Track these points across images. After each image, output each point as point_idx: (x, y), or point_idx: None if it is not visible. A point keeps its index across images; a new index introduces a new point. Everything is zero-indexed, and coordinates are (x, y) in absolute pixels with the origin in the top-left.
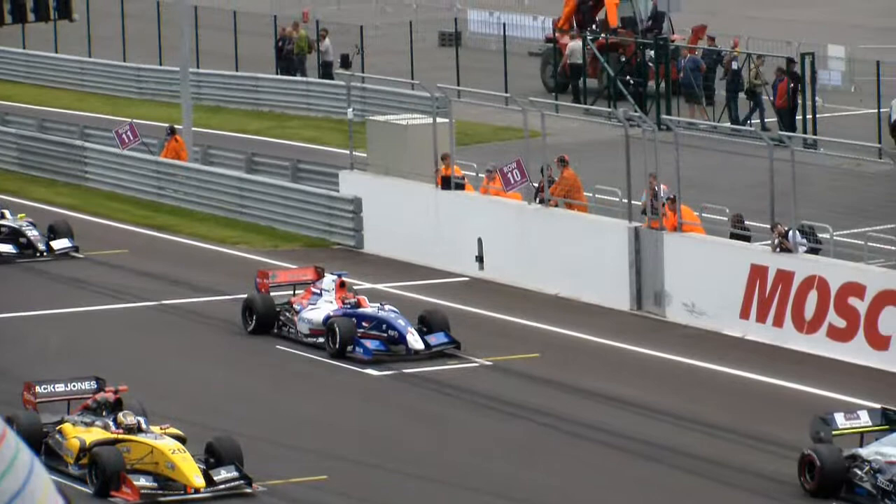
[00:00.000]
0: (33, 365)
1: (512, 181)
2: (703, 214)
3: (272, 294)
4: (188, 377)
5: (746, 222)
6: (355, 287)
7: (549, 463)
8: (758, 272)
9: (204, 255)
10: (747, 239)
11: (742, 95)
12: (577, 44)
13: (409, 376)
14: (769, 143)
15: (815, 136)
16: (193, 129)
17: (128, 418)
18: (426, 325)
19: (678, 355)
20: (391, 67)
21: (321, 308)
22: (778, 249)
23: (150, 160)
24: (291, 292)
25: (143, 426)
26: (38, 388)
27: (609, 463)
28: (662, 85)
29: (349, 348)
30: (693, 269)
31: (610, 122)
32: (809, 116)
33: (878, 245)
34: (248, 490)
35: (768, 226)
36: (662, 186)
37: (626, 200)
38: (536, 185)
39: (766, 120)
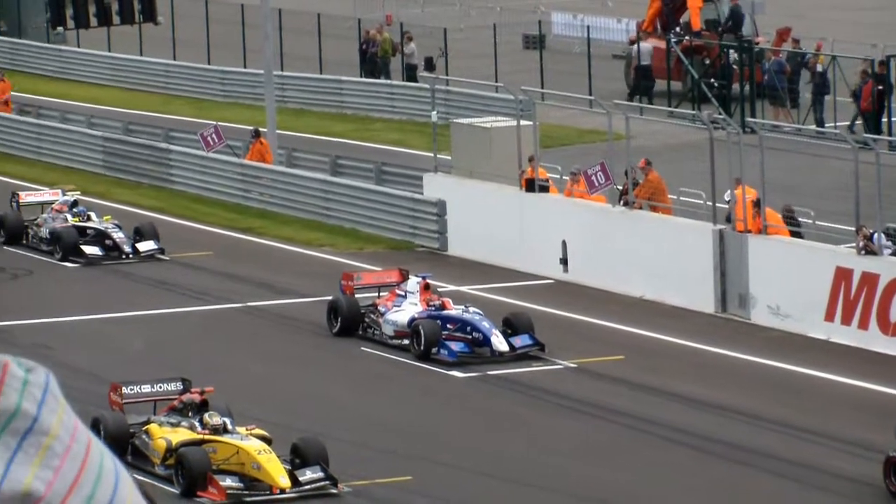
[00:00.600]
0: (120, 366)
1: (596, 184)
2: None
3: (357, 296)
4: (273, 379)
5: (827, 223)
6: (440, 289)
7: (633, 465)
8: (843, 275)
9: (289, 257)
10: (799, 235)
11: (825, 98)
12: (645, 46)
13: (494, 378)
14: (854, 145)
15: None
16: (278, 131)
17: (214, 419)
18: (511, 327)
19: (763, 357)
20: (475, 70)
21: (406, 310)
22: (863, 252)
23: (234, 163)
24: (376, 294)
25: (229, 427)
26: (124, 390)
27: (693, 465)
28: (746, 87)
29: (434, 350)
30: (778, 271)
31: (694, 125)
32: (895, 119)
33: None
34: (334, 490)
35: (853, 228)
36: (737, 191)
37: (710, 203)
38: (620, 187)
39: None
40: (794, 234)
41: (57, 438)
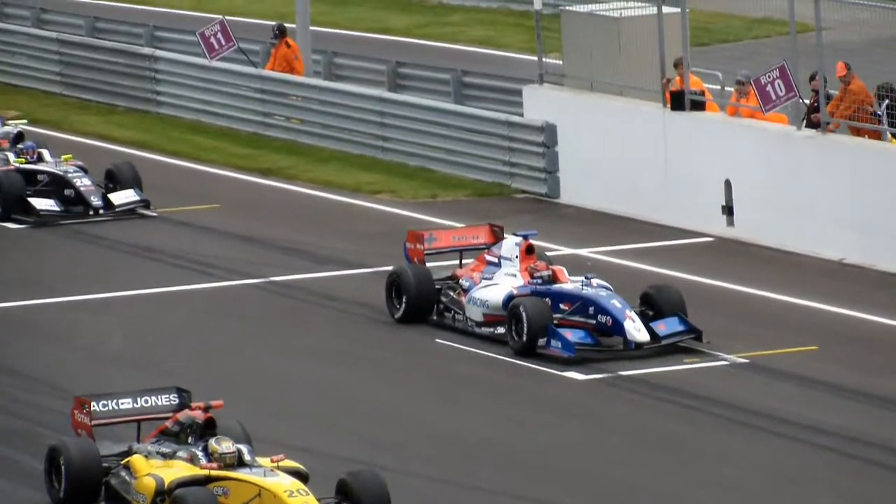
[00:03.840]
0: (88, 372)
1: (773, 97)
2: None
3: (429, 265)
4: (309, 387)
5: None
6: (549, 253)
7: (834, 503)
8: None
9: (330, 209)
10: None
11: None
12: None
13: (629, 381)
14: None
15: None
16: (312, 28)
17: (223, 446)
18: (653, 306)
19: None
20: None
21: (500, 284)
22: None
23: (250, 74)
24: (457, 262)
25: (247, 458)
26: (94, 406)
27: None
28: None
29: (542, 342)
30: None
31: None
32: None
33: None
34: None
35: None
36: None
37: None
38: (808, 101)
39: None
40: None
41: None
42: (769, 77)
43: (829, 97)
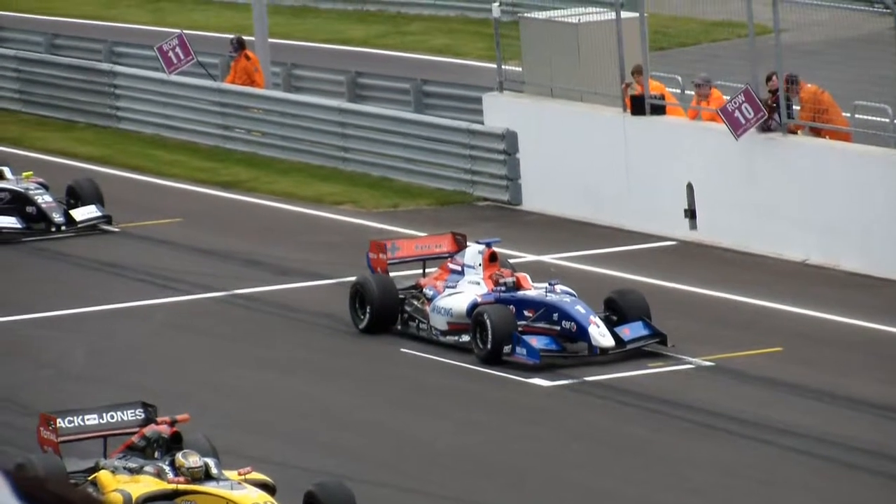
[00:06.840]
0: (52, 388)
1: (743, 121)
2: None
3: (392, 274)
4: (275, 399)
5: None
6: (512, 260)
7: (799, 503)
8: None
9: (292, 221)
10: None
11: None
12: None
13: (595, 387)
14: None
15: None
16: (271, 40)
17: (190, 460)
18: (617, 311)
19: None
20: None
21: (464, 292)
22: None
23: (210, 88)
24: (421, 271)
25: (213, 471)
26: (60, 423)
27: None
28: None
29: (507, 349)
30: None
31: (873, 9)
32: None
33: None
34: None
35: None
36: None
37: None
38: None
39: None
40: None
41: None
42: (735, 103)
43: (789, 104)
